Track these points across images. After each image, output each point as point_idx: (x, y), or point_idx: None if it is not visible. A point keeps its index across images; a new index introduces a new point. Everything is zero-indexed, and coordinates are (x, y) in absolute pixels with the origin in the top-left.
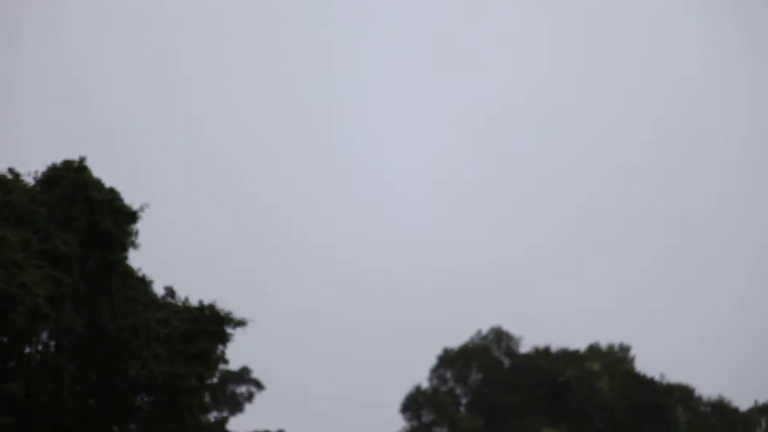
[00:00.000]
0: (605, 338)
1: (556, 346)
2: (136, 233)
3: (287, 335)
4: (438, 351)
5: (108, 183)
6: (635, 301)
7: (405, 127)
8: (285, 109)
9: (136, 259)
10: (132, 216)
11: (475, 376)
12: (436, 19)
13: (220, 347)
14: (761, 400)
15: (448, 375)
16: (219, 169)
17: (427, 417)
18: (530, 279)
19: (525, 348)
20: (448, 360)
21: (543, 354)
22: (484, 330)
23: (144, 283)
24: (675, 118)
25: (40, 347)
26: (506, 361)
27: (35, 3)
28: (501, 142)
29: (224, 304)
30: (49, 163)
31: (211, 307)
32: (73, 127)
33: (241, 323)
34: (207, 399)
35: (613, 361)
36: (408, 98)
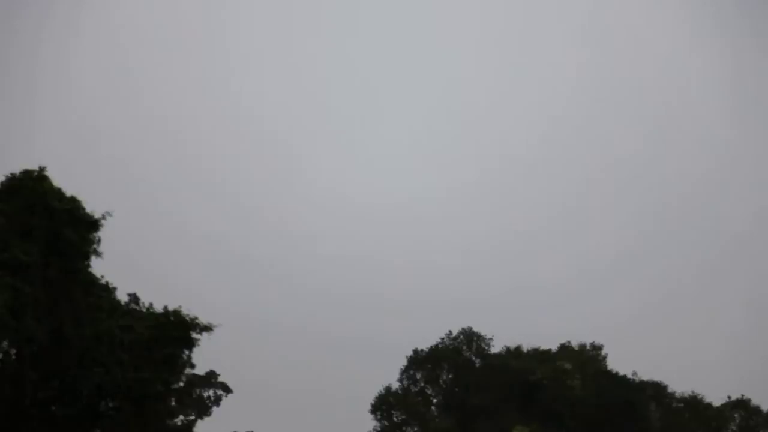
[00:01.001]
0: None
1: (527, 345)
2: (99, 241)
3: (254, 335)
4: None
5: (69, 192)
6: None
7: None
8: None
9: (100, 267)
10: (93, 224)
11: (446, 377)
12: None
13: (186, 352)
14: (734, 396)
15: (419, 376)
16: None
17: (398, 417)
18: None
19: (496, 348)
20: (419, 361)
21: (514, 354)
22: (455, 331)
23: (107, 291)
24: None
25: (0, 356)
26: (477, 361)
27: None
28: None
29: (190, 310)
30: (7, 172)
31: (176, 313)
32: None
33: (207, 328)
34: (173, 403)
35: (585, 360)
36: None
